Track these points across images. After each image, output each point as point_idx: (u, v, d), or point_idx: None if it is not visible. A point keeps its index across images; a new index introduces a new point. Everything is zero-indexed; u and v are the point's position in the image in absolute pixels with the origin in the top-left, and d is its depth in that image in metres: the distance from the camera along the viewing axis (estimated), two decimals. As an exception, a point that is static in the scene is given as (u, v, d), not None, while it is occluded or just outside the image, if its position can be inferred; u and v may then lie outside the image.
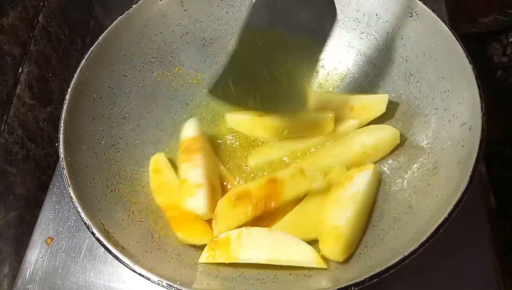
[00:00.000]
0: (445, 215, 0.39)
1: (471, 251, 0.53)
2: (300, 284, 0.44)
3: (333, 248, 0.46)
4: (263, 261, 0.47)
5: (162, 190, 0.56)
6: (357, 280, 0.38)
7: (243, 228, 0.49)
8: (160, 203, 0.55)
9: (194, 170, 0.53)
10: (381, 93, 0.59)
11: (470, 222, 0.53)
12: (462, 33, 0.54)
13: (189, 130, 0.59)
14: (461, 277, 0.52)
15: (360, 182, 0.50)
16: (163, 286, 0.41)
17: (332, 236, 0.47)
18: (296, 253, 0.47)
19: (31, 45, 0.68)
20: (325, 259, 0.46)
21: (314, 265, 0.46)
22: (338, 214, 0.48)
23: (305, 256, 0.46)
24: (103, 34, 0.57)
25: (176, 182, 0.56)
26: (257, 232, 0.49)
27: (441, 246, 0.54)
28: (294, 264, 0.46)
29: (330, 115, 0.56)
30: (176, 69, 0.64)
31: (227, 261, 0.47)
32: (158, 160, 0.58)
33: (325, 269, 0.46)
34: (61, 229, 0.61)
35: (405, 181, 0.52)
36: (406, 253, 0.38)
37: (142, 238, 0.49)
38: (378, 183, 0.53)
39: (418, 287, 0.52)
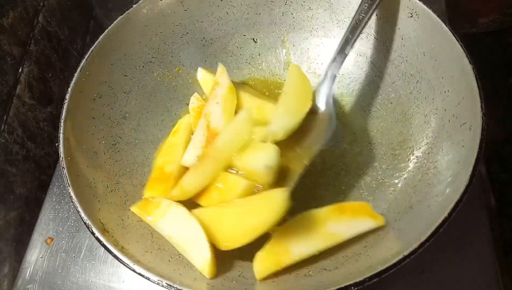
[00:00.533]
0: (445, 215, 0.39)
1: (471, 251, 0.53)
2: (300, 283, 0.44)
3: None
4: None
5: (167, 148, 0.58)
6: (357, 280, 0.38)
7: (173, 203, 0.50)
8: (157, 162, 0.57)
9: None
10: (381, 94, 0.59)
11: (470, 222, 0.53)
12: (462, 33, 0.54)
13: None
14: (461, 277, 0.52)
15: None
16: (163, 285, 0.41)
17: None
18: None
19: (31, 45, 0.68)
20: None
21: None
22: None
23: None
24: (103, 34, 0.57)
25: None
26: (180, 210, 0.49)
27: (441, 246, 0.54)
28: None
29: None
30: (176, 69, 0.64)
31: (148, 222, 0.50)
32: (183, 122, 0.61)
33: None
34: (61, 229, 0.61)
35: (405, 181, 0.52)
36: (406, 253, 0.38)
37: (142, 238, 0.48)
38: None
39: (418, 287, 0.52)
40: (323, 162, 0.58)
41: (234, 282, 0.45)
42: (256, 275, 0.46)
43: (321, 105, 0.57)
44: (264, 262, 0.46)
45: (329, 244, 0.47)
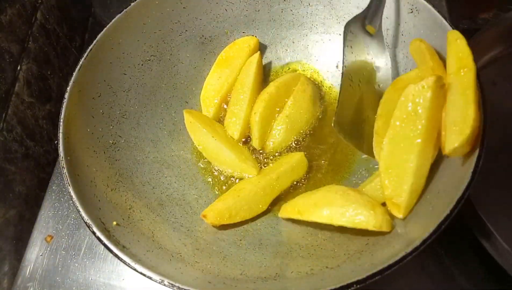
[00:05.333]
0: (447, 212, 0.39)
1: (471, 248, 0.53)
2: (302, 281, 0.44)
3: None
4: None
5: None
6: (359, 278, 0.38)
7: None
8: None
9: None
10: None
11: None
12: (463, 28, 0.54)
13: None
14: (461, 274, 0.53)
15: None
16: (164, 285, 0.41)
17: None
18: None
19: (30, 42, 0.68)
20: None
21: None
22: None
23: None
24: (102, 32, 0.57)
25: None
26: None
27: (441, 243, 0.54)
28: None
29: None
30: (175, 67, 0.64)
31: None
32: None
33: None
34: (60, 227, 0.61)
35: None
36: (408, 251, 0.38)
37: (143, 237, 0.48)
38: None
39: (419, 284, 0.52)
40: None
41: (236, 280, 0.45)
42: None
43: (376, 28, 0.56)
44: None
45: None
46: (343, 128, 0.53)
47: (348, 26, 0.55)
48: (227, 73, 0.63)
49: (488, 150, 0.41)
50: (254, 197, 0.54)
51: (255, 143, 0.60)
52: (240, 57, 0.64)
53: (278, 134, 0.60)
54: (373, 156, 0.52)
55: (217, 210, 0.52)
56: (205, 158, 0.60)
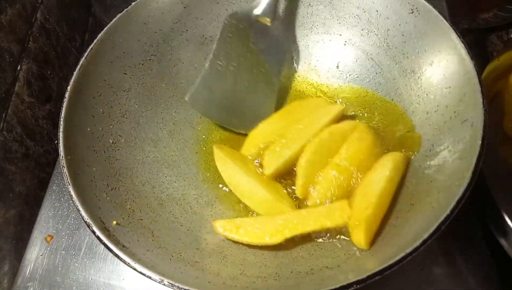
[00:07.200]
0: (447, 212, 0.39)
1: (471, 248, 0.53)
2: (302, 281, 0.44)
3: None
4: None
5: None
6: (359, 278, 0.38)
7: None
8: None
9: None
10: (381, 91, 0.59)
11: (471, 219, 0.54)
12: (463, 28, 0.54)
13: None
14: (461, 273, 0.52)
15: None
16: (164, 284, 0.41)
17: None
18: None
19: (30, 42, 0.68)
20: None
21: None
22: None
23: None
24: (102, 32, 0.57)
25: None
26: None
27: (441, 242, 0.54)
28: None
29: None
30: (176, 66, 0.64)
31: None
32: None
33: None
34: (60, 227, 0.61)
35: (407, 179, 0.52)
36: (408, 251, 0.38)
37: (143, 237, 0.48)
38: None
39: (418, 283, 0.52)
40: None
41: (236, 280, 0.45)
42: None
43: (271, 18, 0.60)
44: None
45: None
46: (198, 104, 0.62)
47: (228, 18, 0.60)
48: (293, 131, 0.57)
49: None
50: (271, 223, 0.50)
51: (298, 191, 0.53)
52: (316, 122, 0.57)
53: (325, 184, 0.52)
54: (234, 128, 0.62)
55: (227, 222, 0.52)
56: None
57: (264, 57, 0.60)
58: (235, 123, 0.62)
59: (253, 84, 0.61)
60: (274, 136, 0.57)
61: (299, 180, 0.53)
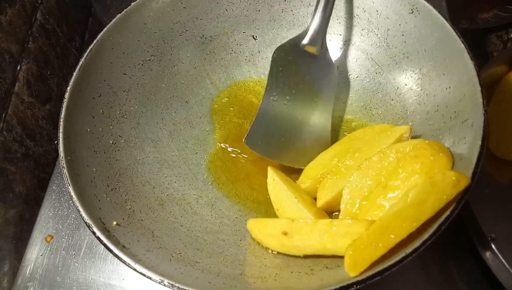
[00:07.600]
0: (447, 213, 0.39)
1: (471, 247, 0.53)
2: (302, 281, 0.44)
3: None
4: None
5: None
6: (359, 278, 0.38)
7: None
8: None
9: None
10: (382, 90, 0.59)
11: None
12: (463, 28, 0.54)
13: None
14: (460, 273, 0.52)
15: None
16: (164, 285, 0.41)
17: None
18: None
19: (29, 42, 0.68)
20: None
21: None
22: None
23: None
24: (102, 32, 0.57)
25: None
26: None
27: (441, 242, 0.54)
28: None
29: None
30: (176, 67, 0.64)
31: None
32: None
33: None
34: (60, 227, 0.61)
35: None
36: (408, 251, 0.38)
37: (143, 237, 0.48)
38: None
39: (418, 283, 0.52)
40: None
41: (235, 280, 0.45)
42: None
43: (318, 47, 0.59)
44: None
45: None
46: (256, 144, 0.57)
47: (276, 51, 0.58)
48: (350, 160, 0.51)
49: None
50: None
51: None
52: (375, 148, 0.50)
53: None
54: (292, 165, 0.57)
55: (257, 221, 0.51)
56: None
57: (316, 87, 0.59)
58: (294, 158, 0.57)
59: (308, 116, 0.59)
60: (331, 167, 0.53)
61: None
